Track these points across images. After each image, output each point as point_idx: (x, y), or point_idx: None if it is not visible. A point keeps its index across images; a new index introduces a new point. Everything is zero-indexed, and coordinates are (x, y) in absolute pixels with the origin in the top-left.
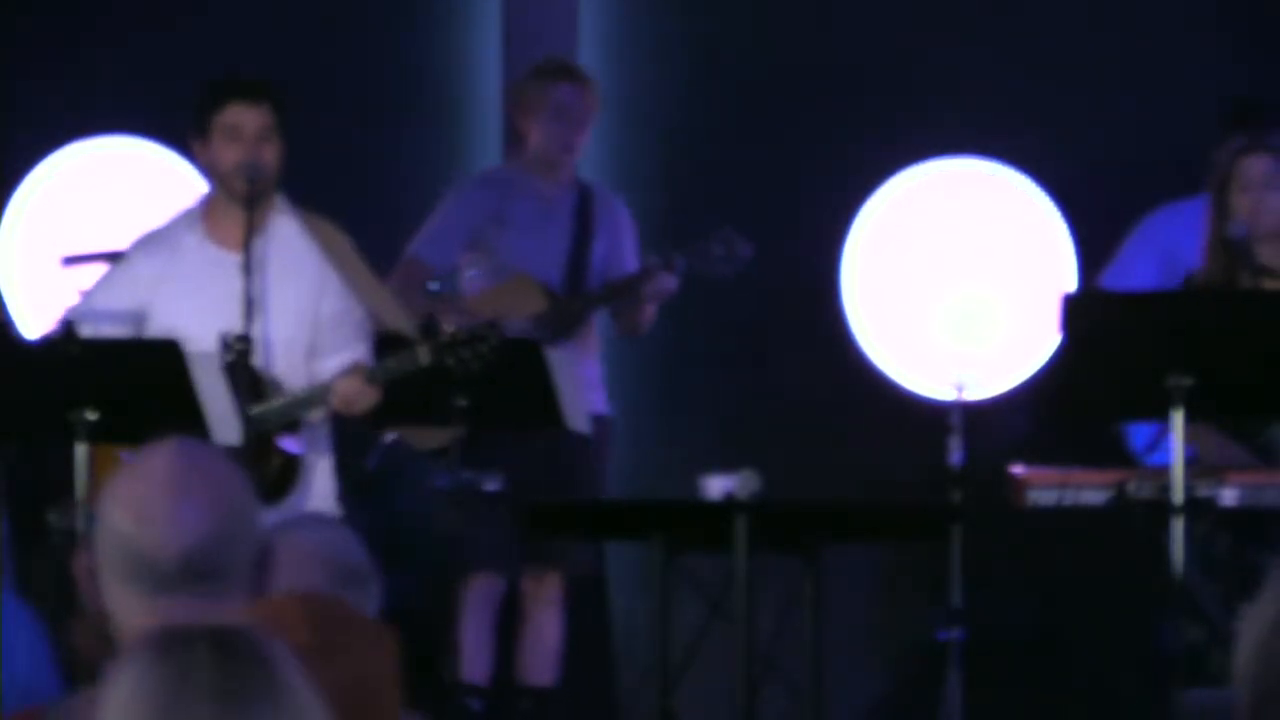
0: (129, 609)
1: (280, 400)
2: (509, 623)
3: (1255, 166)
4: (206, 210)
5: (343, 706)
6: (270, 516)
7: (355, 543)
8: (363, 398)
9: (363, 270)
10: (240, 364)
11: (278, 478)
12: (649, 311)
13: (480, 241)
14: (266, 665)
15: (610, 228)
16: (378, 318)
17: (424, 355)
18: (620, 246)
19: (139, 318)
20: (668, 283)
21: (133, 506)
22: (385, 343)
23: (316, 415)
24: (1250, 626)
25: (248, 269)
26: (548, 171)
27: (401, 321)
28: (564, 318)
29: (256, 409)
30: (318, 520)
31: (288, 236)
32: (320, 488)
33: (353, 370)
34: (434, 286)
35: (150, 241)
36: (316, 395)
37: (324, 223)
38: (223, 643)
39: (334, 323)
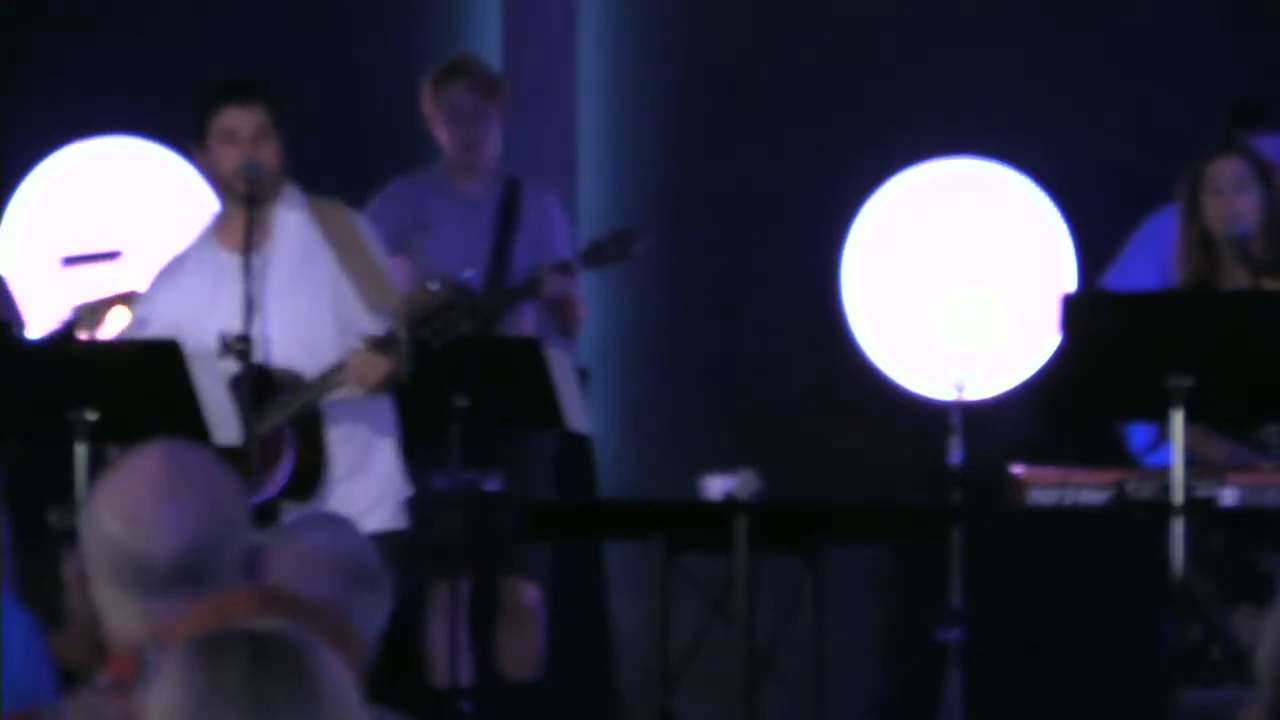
0: (119, 611)
1: (299, 393)
2: (486, 621)
3: (1226, 170)
4: (218, 223)
5: None
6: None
7: (366, 543)
8: (374, 369)
9: (366, 253)
10: (247, 370)
11: (305, 472)
12: (572, 313)
13: (404, 246)
14: (303, 671)
15: (536, 222)
16: (373, 302)
17: (402, 332)
18: (548, 241)
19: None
20: (562, 283)
21: (122, 509)
22: None
23: (341, 395)
24: (1271, 628)
25: (247, 269)
26: (462, 173)
27: (395, 302)
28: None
29: (278, 405)
30: (326, 519)
31: (294, 230)
32: (382, 468)
33: (356, 346)
34: (434, 287)
35: (166, 271)
36: (332, 379)
37: (332, 205)
38: (259, 647)
39: (358, 306)
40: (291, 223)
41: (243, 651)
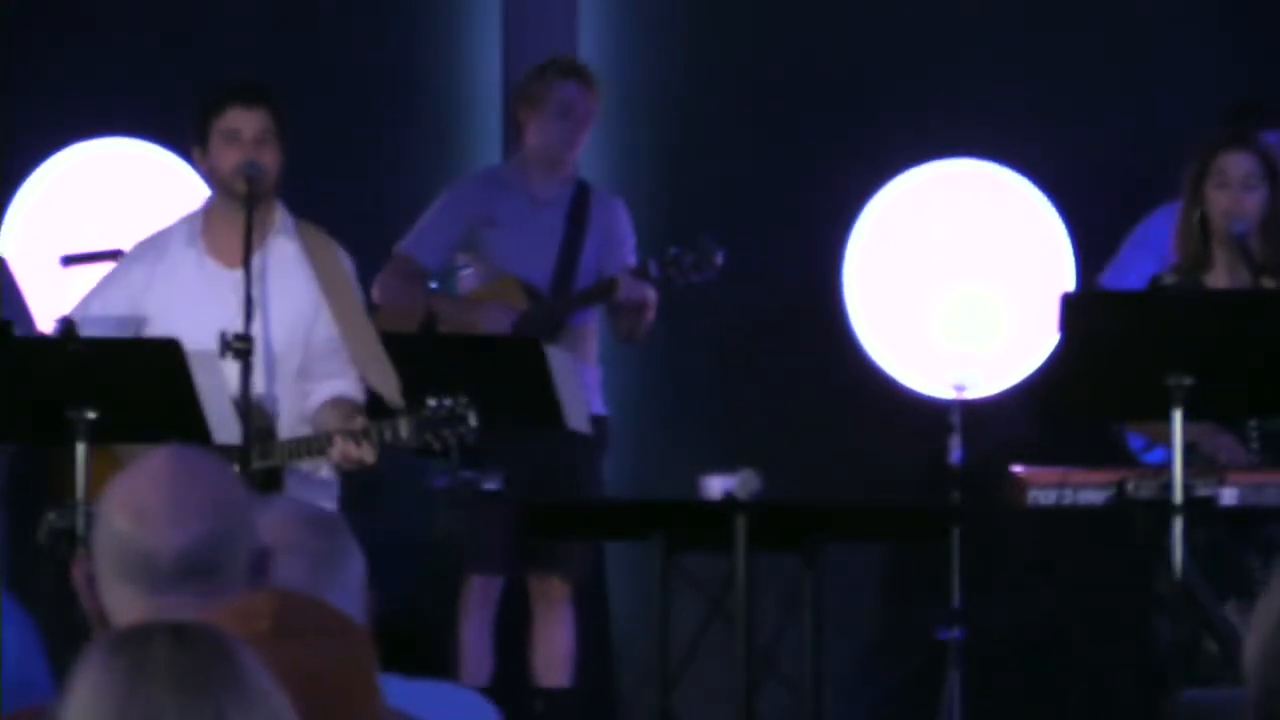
0: (127, 609)
1: (281, 448)
2: (516, 622)
3: (1236, 166)
4: (207, 221)
5: (299, 696)
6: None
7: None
8: (362, 456)
9: (352, 300)
10: (246, 373)
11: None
12: (642, 318)
13: (472, 241)
14: (226, 655)
15: (605, 229)
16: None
17: (404, 429)
18: (616, 248)
19: (136, 324)
20: (639, 289)
21: (130, 506)
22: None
23: (313, 464)
24: (1258, 622)
25: (247, 271)
26: (546, 169)
27: (376, 351)
28: (544, 319)
29: (259, 460)
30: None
31: (285, 260)
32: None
33: (348, 428)
34: (434, 285)
35: (146, 247)
36: (316, 445)
37: (326, 244)
38: (180, 635)
39: (325, 350)
40: (284, 251)
41: (164, 638)
